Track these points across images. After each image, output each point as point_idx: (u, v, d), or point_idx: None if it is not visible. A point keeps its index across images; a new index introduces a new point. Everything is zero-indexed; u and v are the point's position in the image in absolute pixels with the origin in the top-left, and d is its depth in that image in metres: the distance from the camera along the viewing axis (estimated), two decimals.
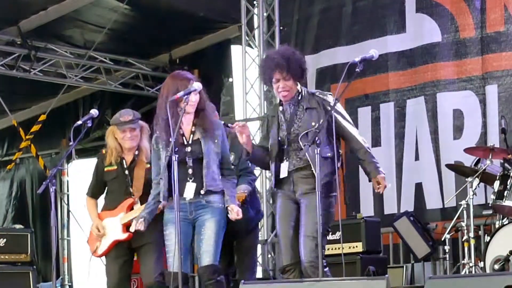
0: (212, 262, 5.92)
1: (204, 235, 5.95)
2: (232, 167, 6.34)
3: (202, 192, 5.97)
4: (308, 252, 5.76)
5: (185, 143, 6.04)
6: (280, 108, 6.07)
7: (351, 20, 10.07)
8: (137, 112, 6.88)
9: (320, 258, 5.61)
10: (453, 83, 9.19)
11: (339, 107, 6.03)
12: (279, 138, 5.99)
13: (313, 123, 5.88)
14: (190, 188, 5.99)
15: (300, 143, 5.88)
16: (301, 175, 5.90)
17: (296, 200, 5.95)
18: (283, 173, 5.95)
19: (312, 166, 5.79)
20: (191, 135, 6.06)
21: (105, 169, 6.83)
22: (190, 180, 6.00)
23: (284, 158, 5.94)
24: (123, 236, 6.71)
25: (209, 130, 6.06)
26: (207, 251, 5.93)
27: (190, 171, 6.01)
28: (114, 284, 6.75)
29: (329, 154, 5.89)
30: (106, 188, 6.92)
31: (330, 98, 5.99)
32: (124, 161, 6.80)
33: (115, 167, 6.80)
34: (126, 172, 6.77)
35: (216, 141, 6.07)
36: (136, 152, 6.80)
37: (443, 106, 9.20)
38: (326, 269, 5.80)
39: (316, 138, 5.66)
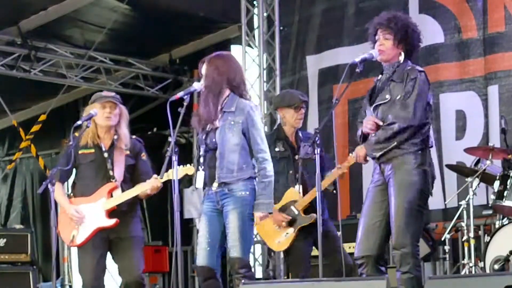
0: (240, 255, 5.76)
1: (228, 229, 5.79)
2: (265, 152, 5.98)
3: (215, 184, 5.82)
4: (395, 238, 5.49)
5: (206, 129, 5.93)
6: (379, 76, 5.75)
7: (354, 20, 10.05)
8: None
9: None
10: (456, 84, 9.18)
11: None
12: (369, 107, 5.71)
13: (387, 96, 5.59)
14: (199, 177, 5.87)
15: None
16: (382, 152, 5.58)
17: (385, 181, 5.60)
18: None
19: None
20: (216, 122, 5.88)
21: (80, 151, 6.41)
22: (200, 169, 5.87)
23: None
24: (109, 222, 6.32)
25: (228, 117, 5.84)
26: (234, 246, 5.76)
27: (201, 159, 5.90)
28: (91, 280, 6.31)
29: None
30: (77, 172, 6.49)
31: (414, 74, 5.60)
32: (102, 144, 6.45)
33: (92, 150, 6.43)
34: (106, 155, 6.42)
35: (234, 129, 5.83)
36: (115, 137, 6.47)
37: (446, 106, 9.19)
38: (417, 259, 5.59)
39: (317, 138, 5.53)
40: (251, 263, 10.90)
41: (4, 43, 11.53)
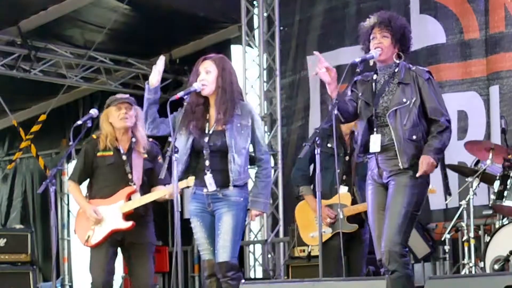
0: (228, 258, 5.73)
1: (220, 230, 5.76)
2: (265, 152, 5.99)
3: (230, 188, 5.77)
4: (385, 239, 5.46)
5: (206, 132, 5.86)
6: (375, 76, 5.67)
7: (356, 21, 10.00)
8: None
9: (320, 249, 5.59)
10: (457, 84, 9.16)
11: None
12: (372, 107, 5.62)
13: (404, 100, 5.54)
14: (210, 180, 5.81)
15: (387, 119, 5.55)
16: (386, 156, 5.55)
17: (384, 184, 5.58)
18: (375, 148, 5.59)
19: (396, 146, 5.50)
20: (214, 124, 5.85)
21: (99, 154, 6.51)
22: (208, 172, 5.81)
23: (374, 130, 5.58)
24: (126, 225, 6.41)
25: (234, 120, 5.82)
26: (224, 247, 5.74)
27: (207, 162, 5.82)
28: (101, 279, 6.39)
29: (414, 137, 5.57)
30: (95, 174, 6.56)
31: (426, 75, 5.63)
32: (120, 147, 6.52)
33: (111, 152, 6.50)
34: (124, 157, 6.49)
35: (243, 132, 5.85)
36: (133, 140, 6.54)
37: (447, 107, 9.16)
38: (406, 258, 5.51)
39: (317, 138, 5.54)
40: (251, 263, 10.92)
41: (4, 43, 11.53)
